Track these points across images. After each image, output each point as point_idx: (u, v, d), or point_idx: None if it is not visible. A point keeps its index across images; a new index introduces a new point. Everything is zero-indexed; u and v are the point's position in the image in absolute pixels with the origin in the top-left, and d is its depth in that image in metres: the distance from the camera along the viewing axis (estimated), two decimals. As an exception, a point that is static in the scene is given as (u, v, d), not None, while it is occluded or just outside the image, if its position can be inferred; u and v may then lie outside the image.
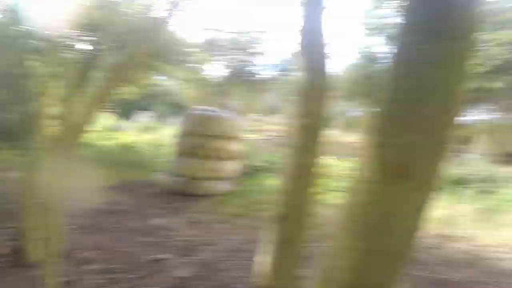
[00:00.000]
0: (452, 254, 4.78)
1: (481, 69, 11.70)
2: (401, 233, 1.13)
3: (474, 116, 18.94)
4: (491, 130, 14.96)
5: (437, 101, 1.03)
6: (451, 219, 6.20)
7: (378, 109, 1.10)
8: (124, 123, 15.87)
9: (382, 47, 12.73)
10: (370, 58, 13.16)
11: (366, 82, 12.73)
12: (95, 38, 7.16)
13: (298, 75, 2.17)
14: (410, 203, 1.11)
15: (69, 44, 5.24)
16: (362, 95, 13.49)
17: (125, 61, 2.58)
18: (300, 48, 2.17)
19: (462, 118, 19.21)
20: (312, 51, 2.15)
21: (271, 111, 20.47)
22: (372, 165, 1.11)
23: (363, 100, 13.83)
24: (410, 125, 1.05)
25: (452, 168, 9.17)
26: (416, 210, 1.13)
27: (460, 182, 8.54)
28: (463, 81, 1.06)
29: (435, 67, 1.01)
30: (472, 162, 11.91)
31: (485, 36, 11.71)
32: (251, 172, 7.66)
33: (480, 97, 13.77)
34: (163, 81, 19.43)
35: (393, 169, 1.07)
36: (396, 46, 1.10)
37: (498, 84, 12.33)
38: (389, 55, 1.13)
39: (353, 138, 13.50)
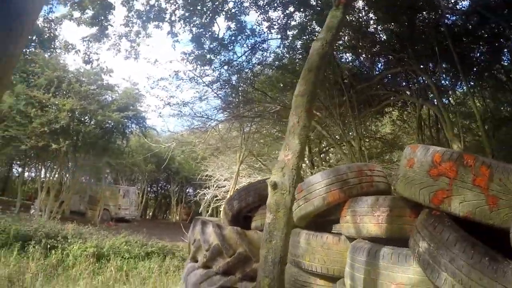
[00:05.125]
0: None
1: (46, 129, 13.38)
2: None
3: (37, 172, 19.09)
4: (54, 187, 16.20)
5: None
6: (18, 276, 5.93)
7: None
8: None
9: None
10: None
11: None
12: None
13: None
14: None
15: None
16: None
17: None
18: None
19: (26, 174, 20.15)
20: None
21: None
22: None
23: None
24: None
25: (15, 224, 9.00)
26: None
27: (25, 239, 8.22)
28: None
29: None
30: (35, 218, 12.26)
31: (53, 100, 13.79)
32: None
33: (44, 155, 15.43)
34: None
35: None
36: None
37: (60, 145, 13.75)
38: None
39: None
